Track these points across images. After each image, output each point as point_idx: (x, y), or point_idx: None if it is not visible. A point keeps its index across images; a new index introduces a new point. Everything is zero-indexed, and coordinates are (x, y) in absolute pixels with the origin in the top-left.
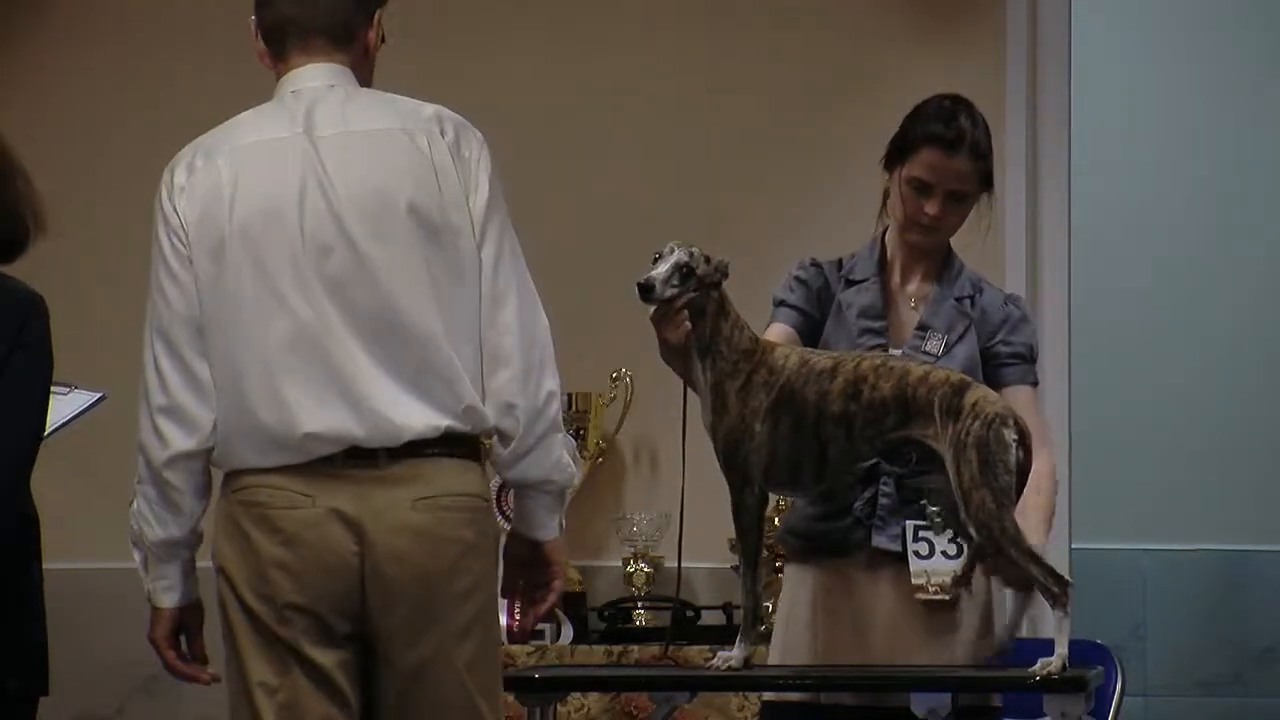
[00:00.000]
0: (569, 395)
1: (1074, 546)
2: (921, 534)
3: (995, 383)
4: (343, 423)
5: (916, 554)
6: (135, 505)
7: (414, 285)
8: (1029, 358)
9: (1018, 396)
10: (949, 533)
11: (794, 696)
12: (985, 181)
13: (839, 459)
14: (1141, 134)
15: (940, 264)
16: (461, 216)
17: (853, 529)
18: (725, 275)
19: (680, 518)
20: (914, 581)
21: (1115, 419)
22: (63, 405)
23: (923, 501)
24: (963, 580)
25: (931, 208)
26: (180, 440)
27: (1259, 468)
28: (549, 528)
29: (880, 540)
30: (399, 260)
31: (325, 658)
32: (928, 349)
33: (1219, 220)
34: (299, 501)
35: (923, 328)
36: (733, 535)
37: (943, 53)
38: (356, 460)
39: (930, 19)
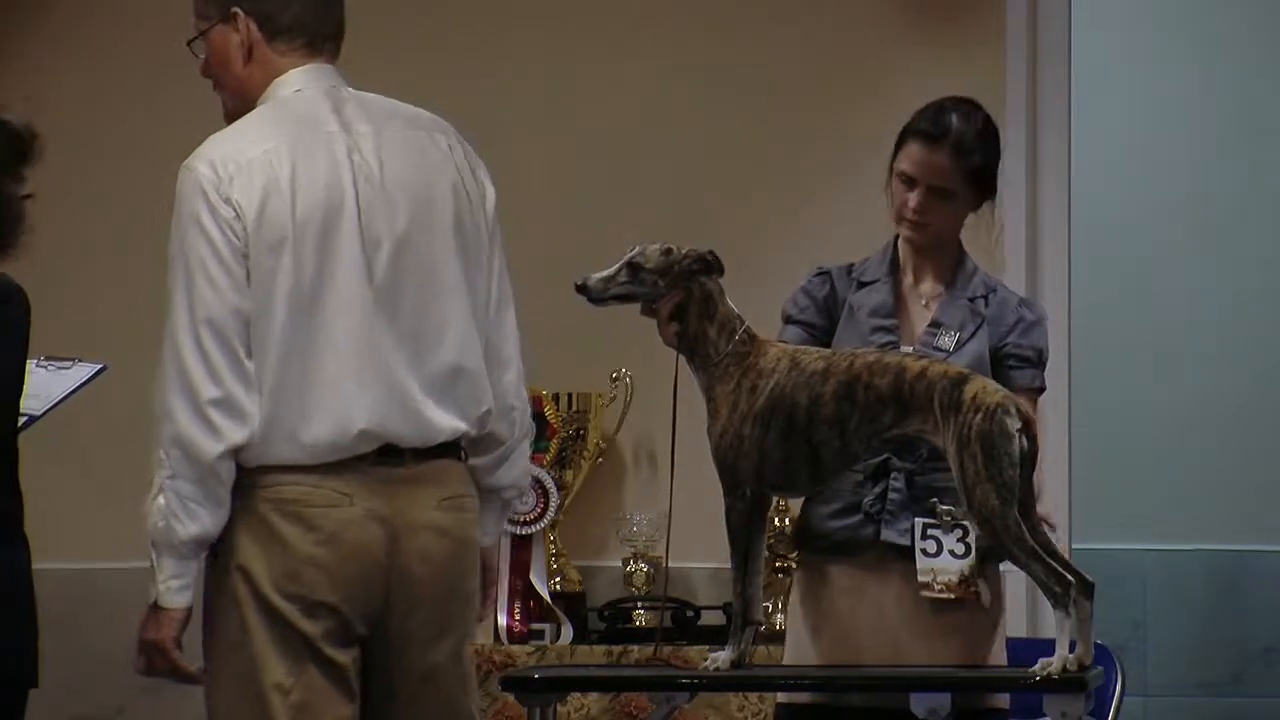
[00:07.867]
0: (569, 395)
1: (1074, 546)
2: (930, 531)
3: (1002, 384)
4: (390, 421)
5: (924, 552)
6: (161, 502)
7: (453, 286)
8: (1036, 361)
9: None
10: (958, 531)
11: (804, 697)
12: (977, 182)
13: (833, 461)
14: (1141, 134)
15: (952, 265)
16: (480, 219)
17: (862, 525)
18: (704, 267)
19: (669, 518)
20: (920, 579)
21: (1115, 419)
22: (64, 379)
23: (934, 500)
24: (974, 576)
25: (913, 200)
26: (234, 433)
27: (1259, 468)
28: (492, 534)
29: (889, 535)
30: (440, 260)
31: (342, 656)
32: (939, 344)
33: (1219, 221)
34: (338, 500)
35: (935, 324)
36: None
37: (943, 53)
38: (385, 459)
39: (930, 19)
